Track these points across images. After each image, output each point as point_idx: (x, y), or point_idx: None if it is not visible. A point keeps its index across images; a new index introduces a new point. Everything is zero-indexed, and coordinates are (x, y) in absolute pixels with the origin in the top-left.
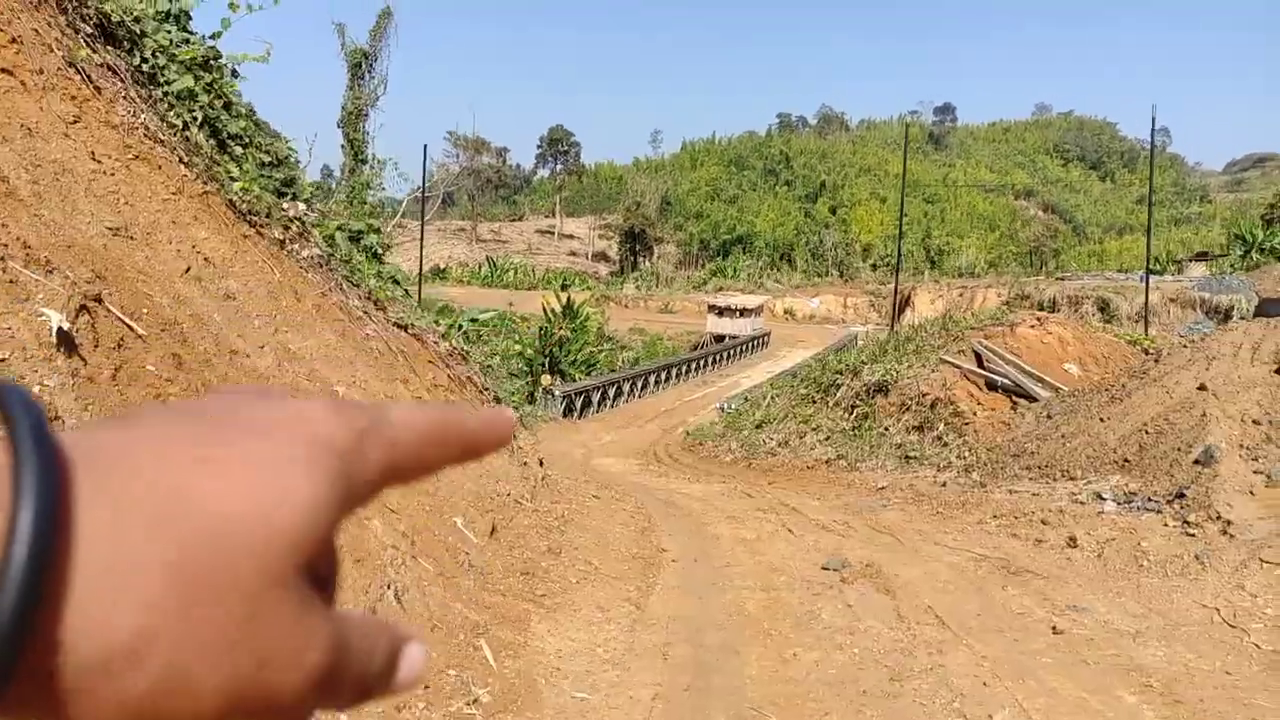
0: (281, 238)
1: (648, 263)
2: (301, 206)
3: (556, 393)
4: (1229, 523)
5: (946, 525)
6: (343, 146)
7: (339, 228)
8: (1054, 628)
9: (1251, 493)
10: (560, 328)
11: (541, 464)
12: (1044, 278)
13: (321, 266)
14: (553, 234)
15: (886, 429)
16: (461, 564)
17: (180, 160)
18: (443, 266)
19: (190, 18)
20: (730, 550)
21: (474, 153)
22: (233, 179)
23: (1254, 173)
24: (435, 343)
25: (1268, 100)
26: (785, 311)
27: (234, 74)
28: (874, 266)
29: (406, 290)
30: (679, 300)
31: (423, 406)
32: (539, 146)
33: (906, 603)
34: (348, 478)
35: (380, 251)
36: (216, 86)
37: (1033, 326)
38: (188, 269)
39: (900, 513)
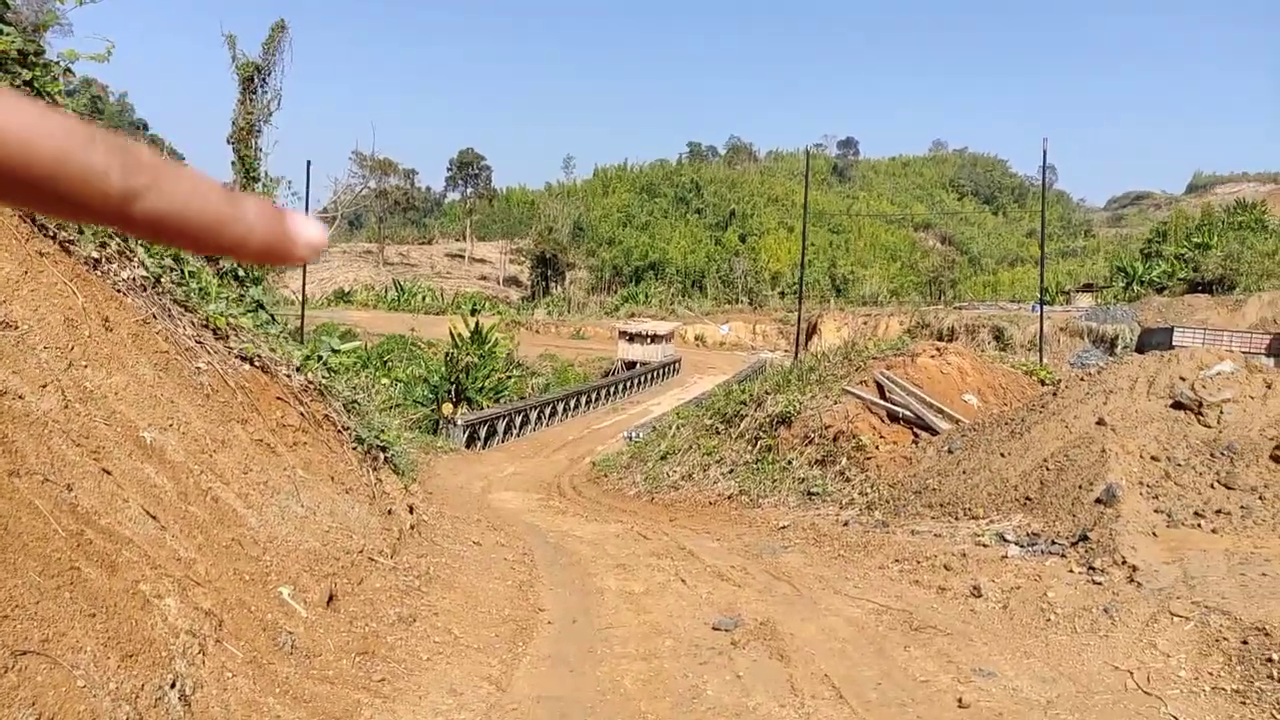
0: (96, 256)
1: (560, 288)
2: None
3: (459, 422)
4: (1135, 568)
5: (848, 570)
6: (233, 163)
7: None
8: (960, 700)
9: (1154, 534)
10: (468, 354)
11: (413, 510)
12: (943, 307)
13: (146, 290)
14: (463, 258)
15: (790, 462)
16: (282, 646)
17: None
18: (348, 290)
19: (8, 6)
20: (615, 608)
21: (381, 174)
22: None
23: (1132, 209)
24: (288, 376)
25: (1143, 141)
26: (696, 338)
27: (67, 72)
28: (782, 294)
29: (272, 316)
30: (591, 326)
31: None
32: (449, 169)
33: (801, 669)
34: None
35: (245, 274)
36: (37, 84)
37: (933, 356)
38: None
39: (801, 555)
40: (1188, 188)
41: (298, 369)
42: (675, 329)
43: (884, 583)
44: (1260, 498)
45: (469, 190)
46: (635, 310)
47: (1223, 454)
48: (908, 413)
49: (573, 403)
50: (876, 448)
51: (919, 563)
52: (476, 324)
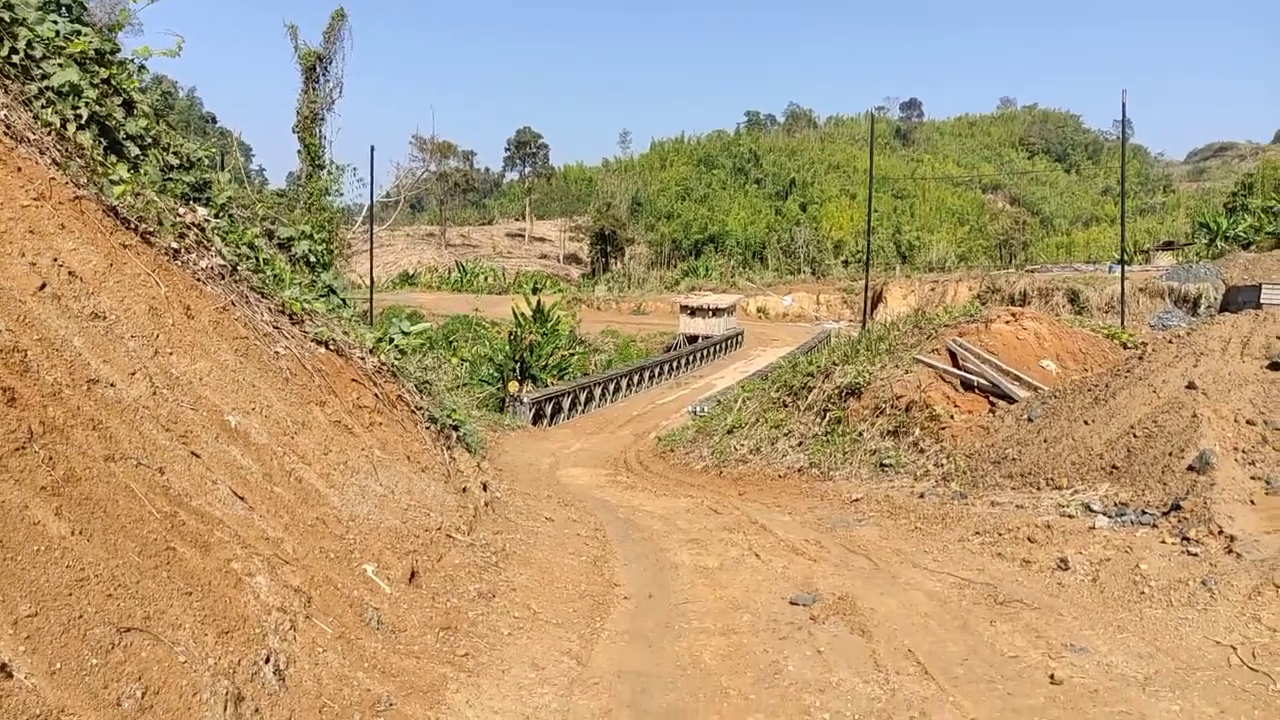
0: (176, 247)
1: (619, 264)
2: (203, 212)
3: (525, 399)
4: (1232, 538)
5: (926, 543)
6: (299, 152)
7: (268, 234)
8: (1052, 676)
9: (1252, 502)
10: (531, 332)
11: (486, 488)
12: (1014, 270)
13: (224, 278)
14: (523, 237)
15: (860, 434)
16: (369, 621)
17: (53, 162)
18: (412, 272)
19: (85, 8)
20: (690, 583)
21: (440, 157)
22: (113, 183)
23: (1214, 161)
24: (361, 359)
25: (1226, 91)
26: (758, 310)
27: (141, 69)
28: (845, 263)
29: (344, 300)
30: (651, 301)
31: None
32: (507, 149)
33: (884, 645)
34: None
35: (316, 259)
36: (114, 82)
37: (1007, 322)
38: (43, 285)
39: (876, 529)
40: (1275, 136)
41: (370, 351)
42: (737, 302)
43: (965, 556)
44: None
45: (527, 170)
46: (695, 284)
47: None
48: (983, 381)
49: (636, 378)
50: (951, 417)
51: (1000, 535)
52: (538, 302)
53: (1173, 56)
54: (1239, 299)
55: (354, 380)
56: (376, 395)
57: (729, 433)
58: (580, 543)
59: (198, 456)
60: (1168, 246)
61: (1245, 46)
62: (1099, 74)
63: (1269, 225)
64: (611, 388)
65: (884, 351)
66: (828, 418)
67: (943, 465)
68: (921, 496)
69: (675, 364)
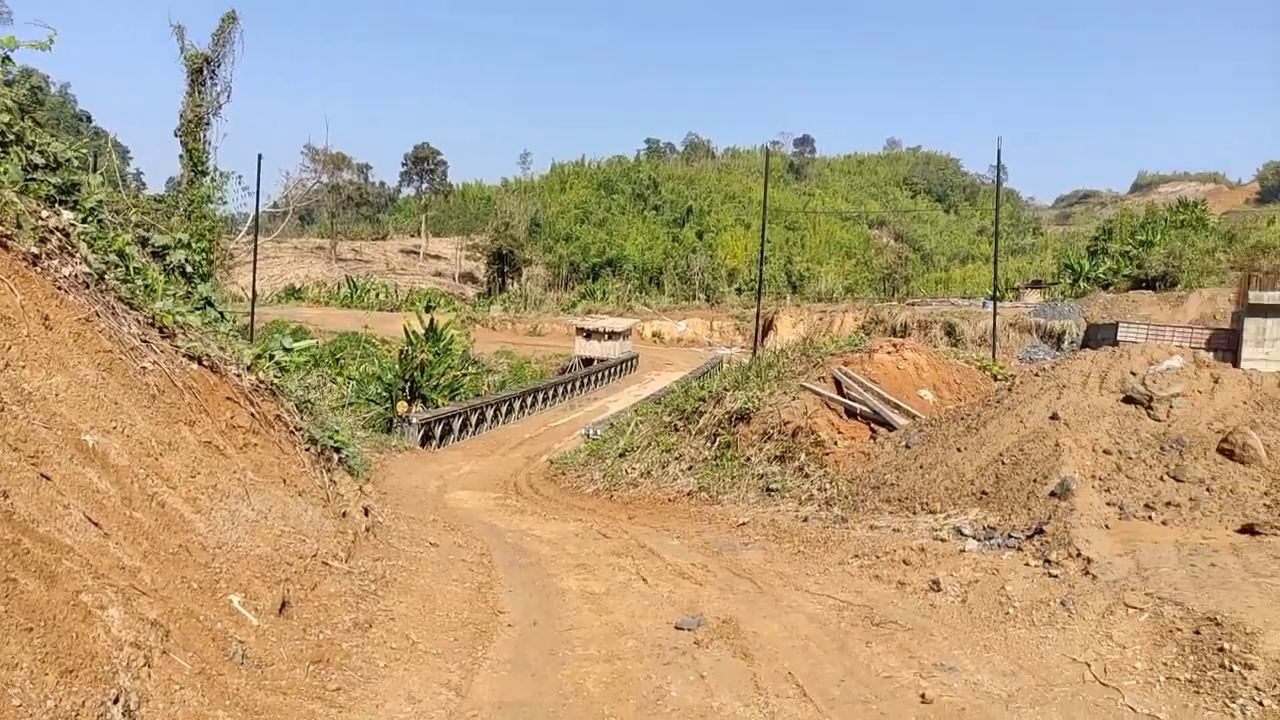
0: (36, 252)
1: (516, 285)
2: (68, 215)
3: (414, 420)
4: (1089, 561)
5: (808, 566)
6: (181, 157)
7: (142, 241)
8: (923, 695)
9: (1107, 526)
10: (422, 351)
11: (368, 512)
12: (897, 303)
13: (89, 287)
14: (418, 254)
15: (749, 459)
16: (233, 656)
17: None
18: (299, 286)
19: None
20: (576, 609)
21: (334, 168)
22: None
23: (1079, 207)
24: (238, 376)
25: (1090, 141)
26: (654, 334)
27: (5, 60)
28: (739, 290)
29: (222, 313)
30: (548, 323)
31: None
32: (404, 164)
33: (765, 668)
34: None
35: (193, 270)
36: None
37: (889, 353)
38: None
39: (761, 552)
40: (1132, 187)
41: (248, 368)
42: (633, 326)
43: (844, 578)
44: (1208, 490)
45: (424, 186)
46: (593, 307)
47: (1172, 447)
48: (865, 408)
49: (530, 400)
50: (835, 443)
51: (878, 558)
52: (431, 321)
53: (1043, 108)
54: (1099, 336)
55: (229, 399)
56: (253, 414)
57: (621, 456)
58: (465, 569)
59: (48, 479)
60: (1036, 285)
61: (1109, 101)
62: (977, 121)
63: (1126, 268)
64: (505, 409)
65: (773, 378)
66: (718, 442)
67: (826, 490)
68: (805, 520)
69: (570, 386)
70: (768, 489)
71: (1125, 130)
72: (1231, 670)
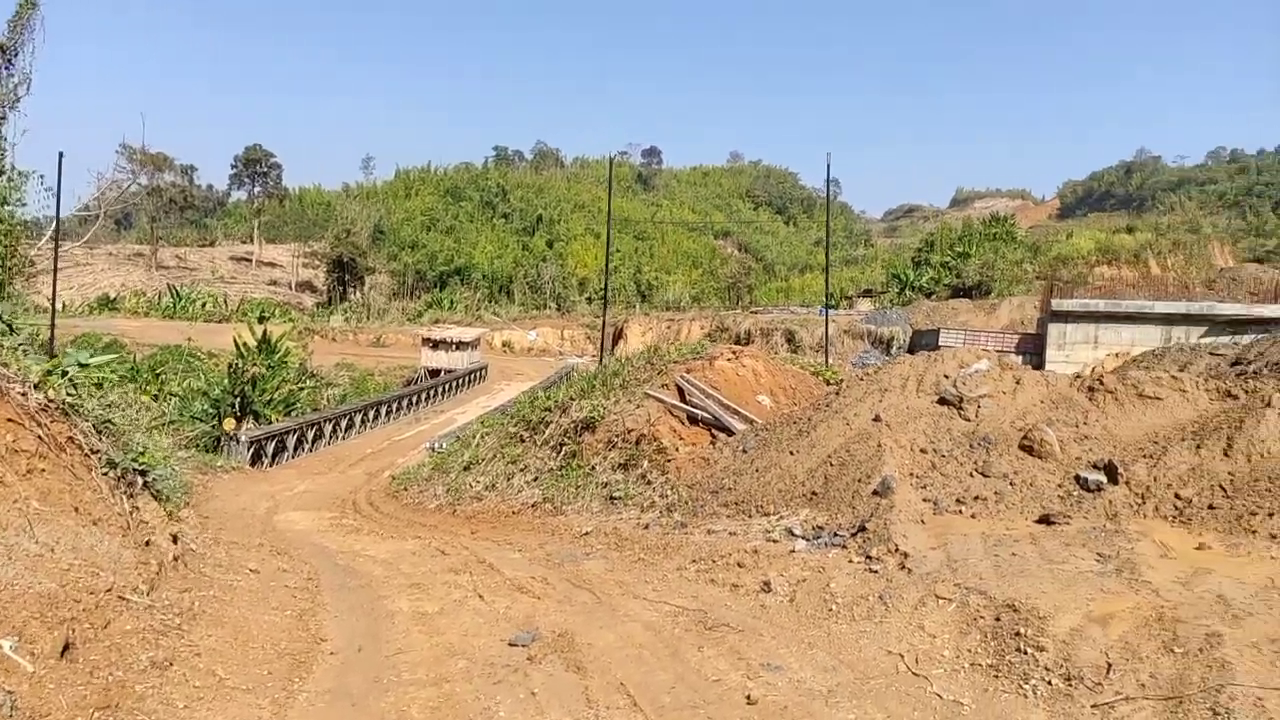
0: None
1: (358, 294)
2: None
3: (243, 438)
4: (906, 555)
5: (648, 574)
6: None
7: None
8: (749, 696)
9: (922, 521)
10: (254, 364)
11: (176, 540)
12: (741, 311)
13: None
14: (250, 262)
15: (594, 468)
16: (0, 709)
17: None
18: (114, 296)
19: None
20: (405, 631)
21: (154, 169)
22: None
23: (905, 221)
24: (23, 395)
25: (917, 157)
26: (504, 344)
27: None
28: (590, 299)
29: (11, 325)
30: (392, 333)
31: None
32: (234, 167)
33: (598, 680)
34: None
35: None
36: None
37: (729, 360)
38: None
39: (603, 561)
40: (951, 202)
41: (35, 386)
42: (482, 335)
43: (682, 584)
44: (1011, 483)
45: (257, 189)
46: (440, 316)
47: (980, 445)
48: (706, 415)
49: (372, 414)
50: (676, 450)
51: (714, 562)
52: (264, 332)
53: (875, 126)
54: (923, 341)
55: (10, 420)
56: (40, 437)
57: (465, 469)
58: (287, 595)
59: None
60: (867, 294)
61: (928, 120)
62: (815, 137)
63: (946, 278)
64: (344, 424)
65: (618, 386)
66: (563, 452)
67: (667, 496)
68: (646, 528)
69: (415, 399)
70: (611, 497)
71: (945, 148)
72: (1025, 653)
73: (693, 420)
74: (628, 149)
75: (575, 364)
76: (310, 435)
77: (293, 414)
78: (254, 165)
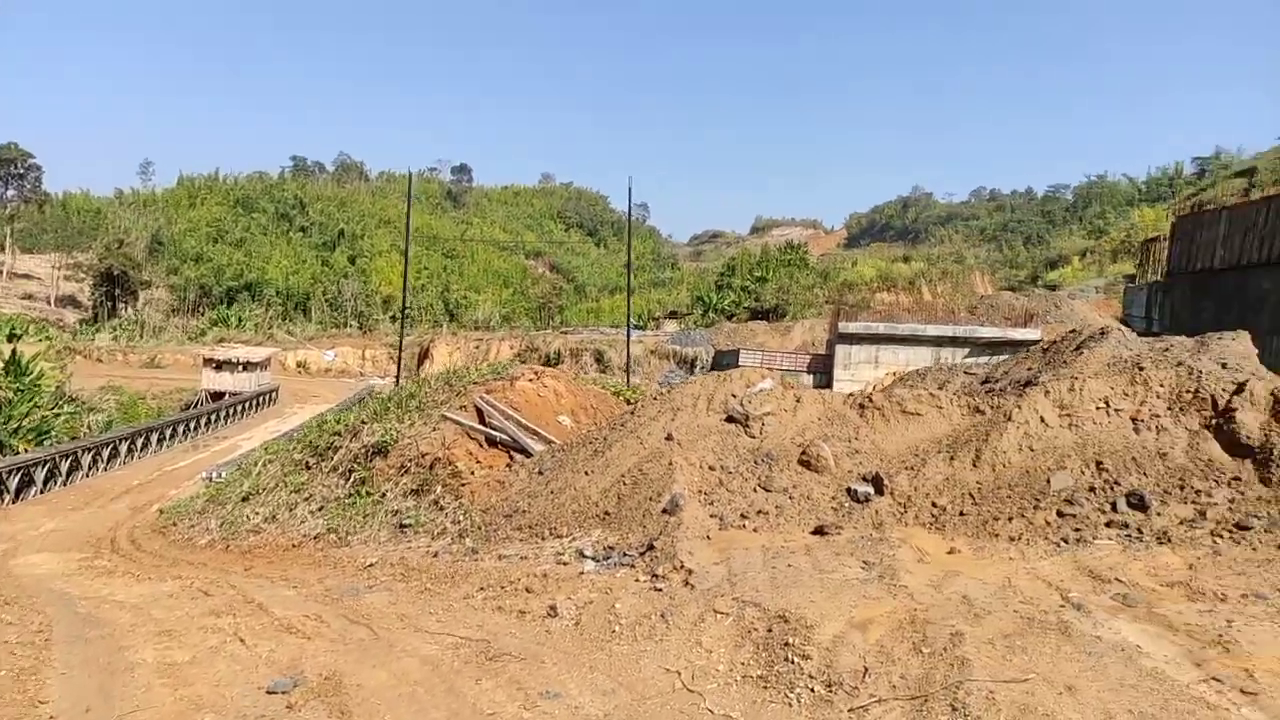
0: None
1: (131, 310)
2: None
3: None
4: (690, 571)
5: (432, 604)
6: None
7: None
8: None
9: (708, 537)
10: (1, 387)
11: None
12: (551, 331)
13: None
14: (1, 273)
15: (384, 494)
16: None
17: None
18: None
19: None
20: (147, 685)
21: None
22: None
23: (709, 246)
24: None
25: (720, 186)
26: (299, 364)
27: None
28: (394, 318)
29: None
30: (170, 353)
31: None
32: None
33: None
34: None
35: None
36: None
37: (531, 380)
38: None
39: (387, 594)
40: (751, 229)
41: None
42: (273, 355)
43: (467, 613)
44: (790, 497)
45: (11, 193)
46: (226, 335)
47: (763, 461)
48: (505, 436)
49: (141, 441)
50: (472, 473)
51: (503, 588)
52: (14, 351)
53: (681, 152)
54: (724, 361)
55: None
56: None
57: (244, 500)
58: (5, 652)
59: None
60: (673, 315)
61: (730, 150)
62: (628, 161)
63: (746, 301)
64: (108, 453)
65: (414, 409)
66: (352, 479)
67: (460, 522)
68: (436, 556)
69: (195, 424)
70: (401, 526)
71: (745, 181)
72: (792, 662)
73: (491, 443)
74: (437, 165)
75: (376, 385)
76: (65, 467)
77: (46, 443)
78: (8, 166)
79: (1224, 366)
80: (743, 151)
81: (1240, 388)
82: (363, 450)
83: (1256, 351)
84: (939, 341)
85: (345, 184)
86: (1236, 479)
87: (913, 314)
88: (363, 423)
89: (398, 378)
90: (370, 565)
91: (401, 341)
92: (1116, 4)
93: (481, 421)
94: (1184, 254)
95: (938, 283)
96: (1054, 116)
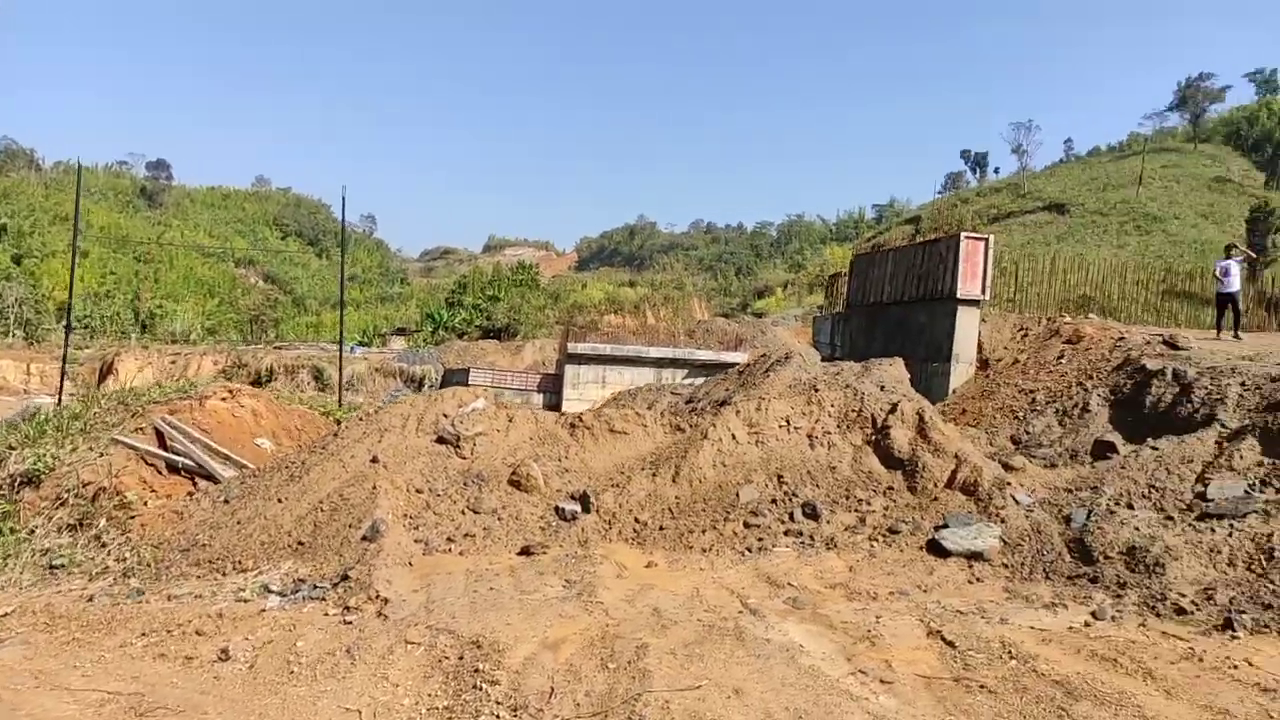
0: None
1: None
2: None
3: None
4: (386, 601)
5: (81, 656)
6: None
7: None
8: None
9: (410, 564)
10: None
11: None
12: (264, 346)
13: None
14: None
15: (33, 531)
16: None
17: None
18: None
19: None
20: None
21: None
22: None
23: (441, 262)
24: None
25: (452, 200)
26: None
27: None
28: (71, 328)
29: None
30: None
31: None
32: None
33: None
34: None
35: None
36: None
37: (224, 399)
38: None
39: (23, 648)
40: (484, 247)
41: None
42: None
43: (123, 663)
44: (499, 518)
45: None
46: None
47: (474, 482)
48: (189, 462)
49: None
50: (145, 504)
51: (170, 632)
52: None
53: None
54: (454, 379)
55: None
56: None
57: None
58: None
59: None
60: (401, 332)
61: (465, 166)
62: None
63: (477, 319)
64: None
65: (78, 432)
66: None
67: (126, 559)
68: (92, 599)
69: None
70: (51, 566)
71: (480, 196)
72: (480, 689)
73: (173, 469)
74: (129, 159)
75: (44, 404)
76: None
77: None
78: None
79: (882, 389)
80: (477, 168)
81: (894, 408)
82: (9, 480)
83: (909, 375)
84: (660, 363)
85: (10, 174)
86: (890, 488)
87: (638, 336)
88: (10, 449)
89: (59, 396)
90: (5, 615)
91: (65, 354)
92: (813, 75)
93: (162, 445)
94: (860, 289)
95: (661, 307)
96: (763, 160)
